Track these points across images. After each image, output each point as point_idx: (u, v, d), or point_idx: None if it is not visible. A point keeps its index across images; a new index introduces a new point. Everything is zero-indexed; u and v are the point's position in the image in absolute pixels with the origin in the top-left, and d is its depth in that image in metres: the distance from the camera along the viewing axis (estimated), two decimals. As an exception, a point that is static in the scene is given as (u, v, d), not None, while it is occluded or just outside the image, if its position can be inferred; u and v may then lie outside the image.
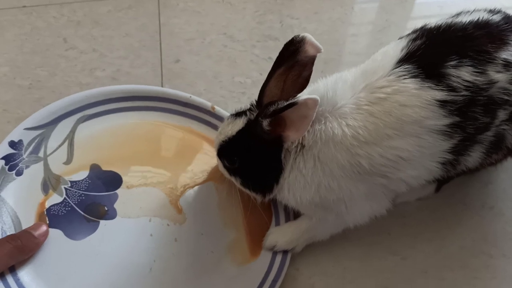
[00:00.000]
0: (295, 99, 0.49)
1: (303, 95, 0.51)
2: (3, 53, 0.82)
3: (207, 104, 0.71)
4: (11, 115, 0.75)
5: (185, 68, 0.82)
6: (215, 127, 0.71)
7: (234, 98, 0.78)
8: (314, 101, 0.49)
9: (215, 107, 0.71)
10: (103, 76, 0.80)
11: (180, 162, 0.69)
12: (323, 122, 0.53)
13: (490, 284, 0.62)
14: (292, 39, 0.52)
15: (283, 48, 0.53)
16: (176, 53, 0.84)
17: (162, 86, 0.79)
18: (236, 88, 0.80)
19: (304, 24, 0.88)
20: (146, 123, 0.71)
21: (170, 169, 0.68)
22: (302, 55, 0.52)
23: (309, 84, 0.56)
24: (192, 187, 0.67)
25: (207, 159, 0.69)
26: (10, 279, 0.57)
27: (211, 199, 0.66)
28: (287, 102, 0.49)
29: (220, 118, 0.71)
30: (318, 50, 0.51)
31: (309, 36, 0.51)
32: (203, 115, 0.72)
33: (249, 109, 0.57)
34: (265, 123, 0.51)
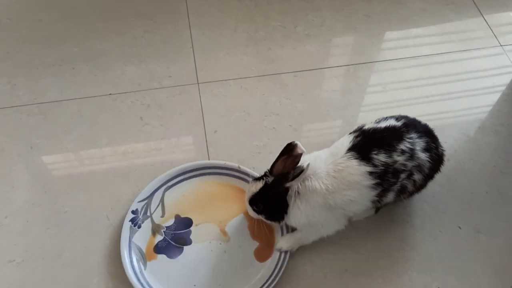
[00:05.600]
0: (302, 167, 0.94)
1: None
2: (103, 129, 1.27)
3: (235, 165, 1.17)
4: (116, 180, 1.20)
5: (221, 136, 1.27)
6: (242, 179, 1.17)
7: (253, 157, 1.23)
8: (308, 165, 0.95)
9: (240, 166, 1.17)
10: (169, 143, 1.25)
11: (223, 205, 1.14)
12: (309, 180, 0.98)
13: (409, 256, 1.09)
14: (290, 143, 0.95)
15: (286, 146, 0.96)
16: (215, 126, 1.28)
17: (207, 150, 1.24)
18: (254, 150, 1.25)
19: (295, 103, 1.34)
20: (203, 183, 1.17)
21: (218, 210, 1.13)
22: (295, 152, 0.95)
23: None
24: (231, 218, 1.13)
25: (239, 200, 1.14)
26: (140, 275, 1.03)
27: (243, 224, 1.12)
28: (299, 170, 0.93)
29: (244, 173, 1.16)
30: (303, 151, 0.95)
31: (299, 143, 0.94)
32: (234, 173, 1.18)
33: (265, 175, 1.01)
34: (288, 184, 0.96)
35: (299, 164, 0.96)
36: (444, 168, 1.11)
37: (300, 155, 0.95)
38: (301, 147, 0.95)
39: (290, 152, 0.97)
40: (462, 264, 1.09)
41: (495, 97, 1.39)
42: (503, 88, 1.42)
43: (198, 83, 1.37)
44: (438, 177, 1.11)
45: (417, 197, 1.16)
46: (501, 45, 1.52)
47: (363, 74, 1.42)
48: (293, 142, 0.96)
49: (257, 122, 1.30)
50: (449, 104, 1.37)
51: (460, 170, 1.24)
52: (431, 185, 1.11)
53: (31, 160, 1.21)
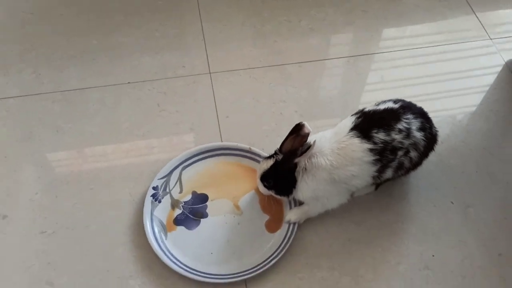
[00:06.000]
0: (309, 144, 1.05)
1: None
2: (123, 115, 1.37)
3: (246, 146, 1.28)
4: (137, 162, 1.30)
5: (233, 121, 1.37)
6: (253, 159, 1.27)
7: (262, 140, 1.32)
8: (315, 142, 1.05)
9: (251, 147, 1.28)
10: (185, 127, 1.36)
11: (236, 182, 1.24)
12: (315, 157, 1.09)
13: (406, 228, 1.20)
14: (298, 123, 1.04)
15: (294, 127, 1.05)
16: (226, 112, 1.39)
17: (220, 133, 1.35)
18: (263, 133, 1.35)
19: (300, 91, 1.44)
20: (218, 163, 1.27)
21: (232, 186, 1.23)
22: (302, 131, 1.05)
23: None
24: (244, 194, 1.23)
25: (250, 178, 1.24)
26: (162, 244, 1.13)
27: (255, 200, 1.23)
28: (307, 147, 1.05)
29: (255, 154, 1.26)
30: (309, 131, 1.04)
31: (306, 123, 1.04)
32: (246, 153, 1.28)
33: (275, 153, 1.12)
34: (297, 159, 1.06)
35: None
36: (437, 149, 1.21)
37: (307, 134, 1.05)
38: (308, 127, 1.05)
39: (298, 132, 1.06)
40: (454, 235, 1.20)
41: (485, 94, 1.49)
42: (493, 83, 1.52)
43: (210, 73, 1.48)
44: (432, 157, 1.22)
45: (413, 175, 1.27)
46: (491, 39, 1.63)
47: (362, 64, 1.53)
48: (301, 122, 1.06)
49: (266, 108, 1.41)
50: (441, 101, 1.48)
51: (452, 151, 1.35)
52: (426, 165, 1.22)
53: (57, 143, 1.31)
